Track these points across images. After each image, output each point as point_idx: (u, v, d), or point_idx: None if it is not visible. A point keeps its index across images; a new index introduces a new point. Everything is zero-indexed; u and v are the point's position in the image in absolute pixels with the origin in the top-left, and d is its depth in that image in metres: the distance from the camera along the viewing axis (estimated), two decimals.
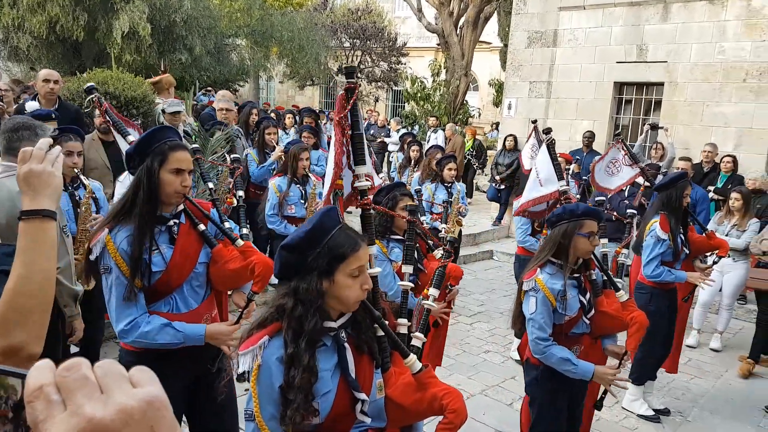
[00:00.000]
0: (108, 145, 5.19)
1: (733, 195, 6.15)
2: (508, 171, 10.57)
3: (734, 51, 8.84)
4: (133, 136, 4.20)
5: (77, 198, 3.93)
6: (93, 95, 4.30)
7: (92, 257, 2.35)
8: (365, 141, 2.44)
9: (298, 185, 5.38)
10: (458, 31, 17.79)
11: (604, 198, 5.25)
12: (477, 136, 16.19)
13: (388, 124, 15.07)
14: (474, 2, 16.99)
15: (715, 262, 4.91)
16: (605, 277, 3.35)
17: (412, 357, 1.91)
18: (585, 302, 3.09)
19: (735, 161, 7.96)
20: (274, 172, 5.68)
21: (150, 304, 2.41)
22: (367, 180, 2.38)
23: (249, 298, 2.63)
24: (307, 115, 8.60)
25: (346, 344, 1.86)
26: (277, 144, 6.37)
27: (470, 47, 17.66)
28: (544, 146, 4.70)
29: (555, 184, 4.49)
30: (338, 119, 2.35)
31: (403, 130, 13.74)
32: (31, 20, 12.16)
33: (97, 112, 4.76)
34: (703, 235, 4.84)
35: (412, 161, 7.87)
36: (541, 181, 4.64)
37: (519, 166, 9.66)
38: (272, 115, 10.91)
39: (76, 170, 3.88)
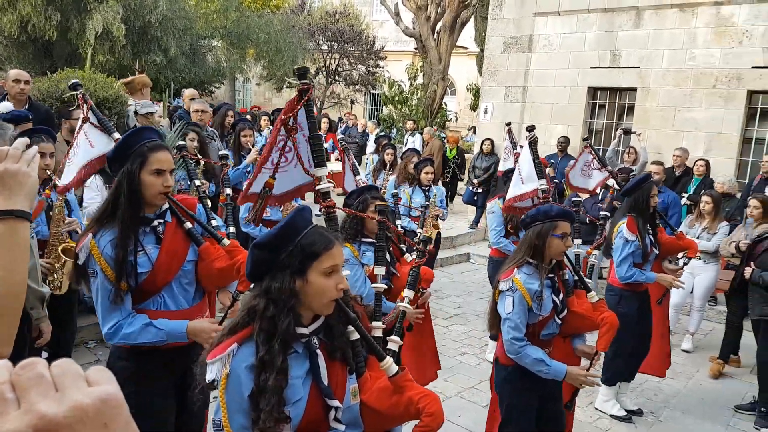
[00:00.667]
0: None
1: (704, 198, 6.27)
2: (485, 174, 10.63)
3: (704, 57, 9.03)
4: (119, 134, 4.13)
5: (49, 201, 3.87)
6: (78, 91, 4.22)
7: (80, 262, 2.35)
8: (321, 143, 2.44)
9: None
10: (435, 36, 17.88)
11: (580, 199, 5.31)
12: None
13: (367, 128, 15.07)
14: (451, 7, 17.10)
15: (685, 263, 4.99)
16: (576, 278, 3.38)
17: (388, 360, 1.88)
18: (558, 302, 3.12)
19: (708, 165, 8.12)
20: (250, 175, 5.61)
21: (138, 303, 2.41)
22: (329, 182, 2.36)
23: (234, 297, 2.59)
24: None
25: (318, 351, 1.81)
26: (252, 146, 6.31)
27: (447, 52, 17.76)
28: (526, 144, 4.74)
29: (534, 182, 4.53)
30: (282, 118, 2.32)
31: (377, 131, 13.73)
32: (2, 19, 11.92)
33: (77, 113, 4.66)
34: (673, 236, 4.92)
35: (387, 164, 7.86)
36: (523, 179, 4.67)
37: (496, 170, 9.76)
38: (248, 117, 10.83)
39: (48, 172, 3.81)
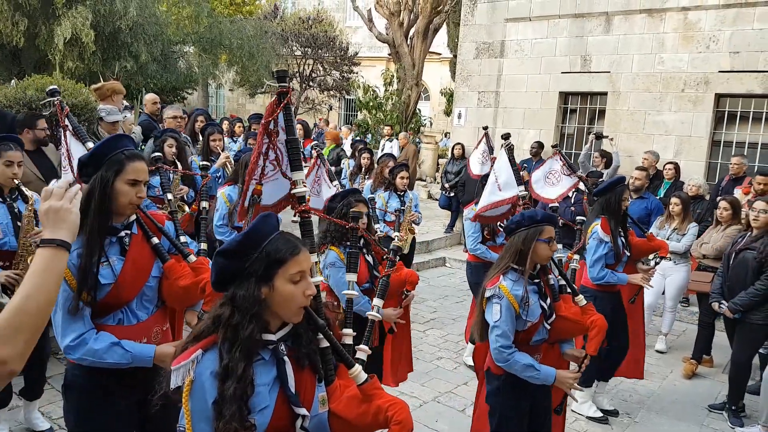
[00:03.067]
0: (35, 156, 4.95)
1: (673, 200, 6.37)
2: (456, 179, 10.67)
3: (673, 62, 9.22)
4: (92, 143, 4.06)
5: (16, 210, 3.74)
6: (56, 98, 4.14)
7: None
8: (298, 146, 2.41)
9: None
10: (409, 42, 17.96)
11: (556, 205, 5.34)
12: (427, 144, 16.35)
13: (341, 133, 15.04)
14: (423, 13, 17.20)
15: (657, 263, 5.03)
16: (561, 282, 3.36)
17: (357, 367, 1.86)
18: (546, 307, 3.09)
19: (677, 168, 8.24)
20: (224, 182, 5.53)
21: (96, 318, 2.30)
22: (303, 186, 2.33)
23: (200, 317, 2.52)
24: (254, 122, 8.48)
25: (286, 358, 1.78)
26: (222, 150, 6.23)
27: (421, 57, 17.86)
28: (503, 151, 4.73)
29: (514, 189, 4.50)
30: (264, 123, 2.29)
31: (352, 135, 13.72)
32: None
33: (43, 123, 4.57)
34: (643, 237, 4.97)
35: (363, 169, 7.84)
36: (500, 186, 4.63)
37: (467, 174, 9.80)
38: (226, 121, 10.70)
39: (15, 181, 3.69)
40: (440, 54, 23.47)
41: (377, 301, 2.54)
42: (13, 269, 3.69)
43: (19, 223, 3.72)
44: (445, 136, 19.06)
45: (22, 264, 3.69)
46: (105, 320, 2.32)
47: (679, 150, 9.22)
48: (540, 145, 10.07)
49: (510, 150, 4.69)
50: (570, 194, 6.89)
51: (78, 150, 4.03)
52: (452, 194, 10.88)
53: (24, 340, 1.31)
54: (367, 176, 7.74)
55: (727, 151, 9.06)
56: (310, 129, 12.88)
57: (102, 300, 2.28)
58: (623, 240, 4.65)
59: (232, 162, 5.96)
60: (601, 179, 8.10)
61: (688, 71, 9.09)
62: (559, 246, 6.84)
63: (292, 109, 2.38)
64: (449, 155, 11.61)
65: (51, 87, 4.24)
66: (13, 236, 3.72)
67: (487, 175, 5.90)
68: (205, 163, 4.76)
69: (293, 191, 2.35)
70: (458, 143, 11.09)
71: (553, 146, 6.03)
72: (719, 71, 8.82)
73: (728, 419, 4.97)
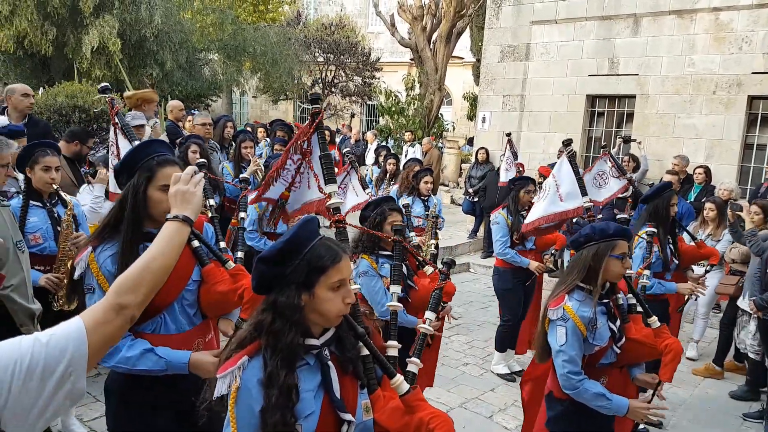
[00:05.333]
0: (70, 162, 5.02)
1: (707, 205, 6.22)
2: (480, 183, 10.58)
3: (704, 64, 9.03)
4: (138, 141, 4.10)
5: (56, 215, 3.76)
6: (107, 95, 4.15)
7: (75, 276, 2.23)
8: (331, 161, 2.50)
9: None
10: (431, 46, 17.91)
11: (626, 216, 5.09)
12: (450, 149, 16.27)
13: (363, 138, 15.03)
14: (447, 17, 17.13)
15: (707, 271, 4.84)
16: (632, 301, 3.14)
17: (399, 378, 1.83)
18: (615, 330, 2.87)
19: (707, 172, 8.04)
20: (254, 188, 5.54)
21: (135, 325, 2.20)
22: (337, 198, 2.39)
23: (237, 326, 2.46)
24: (279, 128, 8.49)
25: (330, 363, 1.76)
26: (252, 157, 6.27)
27: (443, 62, 17.78)
28: (564, 158, 4.50)
29: (578, 200, 4.26)
30: (294, 142, 2.43)
31: (377, 141, 13.71)
32: None
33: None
34: (693, 244, 4.79)
35: (389, 174, 7.81)
36: (562, 196, 4.38)
37: (492, 179, 9.70)
38: (248, 128, 10.78)
39: (54, 186, 3.70)
40: (463, 58, 23.37)
41: (429, 314, 2.44)
42: (54, 273, 3.70)
43: (59, 228, 3.73)
44: (469, 143, 18.92)
45: (62, 268, 3.68)
46: (142, 327, 2.28)
47: (710, 154, 9.02)
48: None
49: (572, 157, 4.45)
50: (612, 200, 6.70)
51: (126, 148, 4.06)
52: (476, 199, 10.79)
53: (144, 293, 1.50)
54: (393, 182, 7.70)
55: (760, 154, 8.84)
56: (334, 135, 12.92)
57: None
58: (671, 247, 4.47)
59: (263, 169, 5.99)
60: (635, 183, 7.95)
61: (720, 73, 8.89)
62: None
63: (324, 128, 2.50)
64: (473, 160, 11.52)
65: (102, 84, 4.26)
66: (53, 241, 3.73)
67: (514, 180, 5.79)
68: (244, 176, 4.78)
69: (328, 203, 2.40)
70: (482, 148, 11.00)
71: (602, 146, 5.81)
72: (752, 72, 8.61)
73: (765, 428, 4.81)
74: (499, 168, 9.65)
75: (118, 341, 1.58)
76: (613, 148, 9.63)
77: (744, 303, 5.28)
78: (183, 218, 1.71)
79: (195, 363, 2.25)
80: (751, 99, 8.75)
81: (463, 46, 21.19)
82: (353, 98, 23.77)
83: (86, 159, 5.18)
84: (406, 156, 12.47)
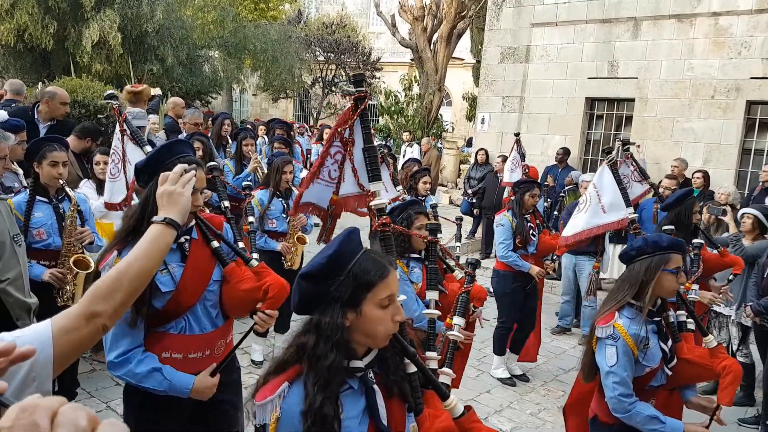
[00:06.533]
0: (79, 158, 5.04)
1: (745, 215, 5.54)
2: (480, 184, 10.59)
3: (703, 68, 9.05)
4: (150, 147, 4.07)
5: (61, 211, 3.76)
6: (114, 101, 4.13)
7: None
8: (376, 155, 2.30)
9: (280, 199, 5.21)
10: (432, 47, 17.92)
11: (671, 227, 4.55)
12: (449, 150, 16.27)
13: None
14: (447, 18, 17.14)
15: (729, 280, 4.65)
16: (681, 318, 2.98)
17: (453, 399, 1.70)
18: (667, 350, 2.71)
19: (705, 176, 8.03)
20: (255, 186, 5.54)
21: (159, 326, 2.25)
22: (379, 197, 2.18)
23: (254, 312, 2.44)
24: (278, 126, 8.49)
25: (375, 386, 1.62)
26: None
27: (444, 62, 17.79)
28: (605, 166, 4.22)
29: (622, 211, 4.02)
30: (335, 130, 2.21)
31: (377, 141, 13.73)
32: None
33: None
34: (716, 252, 4.65)
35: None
36: (605, 207, 4.11)
37: (491, 180, 9.71)
38: (249, 126, 10.80)
39: (61, 182, 3.69)
40: (463, 59, 23.39)
41: (458, 320, 2.33)
42: (58, 268, 3.71)
43: (63, 224, 3.72)
44: (468, 143, 18.93)
45: (66, 263, 3.70)
46: (167, 328, 2.26)
47: (708, 158, 9.05)
48: (566, 152, 9.93)
49: (614, 165, 4.16)
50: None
51: (136, 155, 4.01)
52: (474, 200, 10.80)
53: (120, 299, 1.42)
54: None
55: (758, 159, 8.86)
56: None
57: (162, 308, 2.22)
58: (692, 256, 4.32)
59: (263, 167, 6.00)
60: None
61: (719, 78, 8.92)
62: (583, 257, 6.52)
63: (368, 116, 2.30)
64: (472, 160, 11.53)
65: (109, 91, 4.28)
66: (58, 236, 3.74)
67: (520, 183, 5.65)
68: (248, 183, 4.79)
69: (372, 203, 2.22)
70: (482, 149, 11.00)
71: (624, 149, 5.69)
72: (751, 77, 8.64)
73: None
74: (496, 171, 9.66)
75: (89, 347, 1.49)
76: (612, 151, 9.64)
77: (724, 309, 5.21)
78: (168, 221, 1.63)
79: (198, 387, 2.25)
80: (750, 104, 8.78)
81: (464, 47, 21.21)
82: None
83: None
84: (404, 156, 12.48)
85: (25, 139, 4.37)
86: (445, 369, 2.08)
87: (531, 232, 5.29)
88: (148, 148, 3.99)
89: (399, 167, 8.73)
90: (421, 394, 1.75)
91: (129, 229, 2.23)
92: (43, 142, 3.74)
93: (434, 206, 5.53)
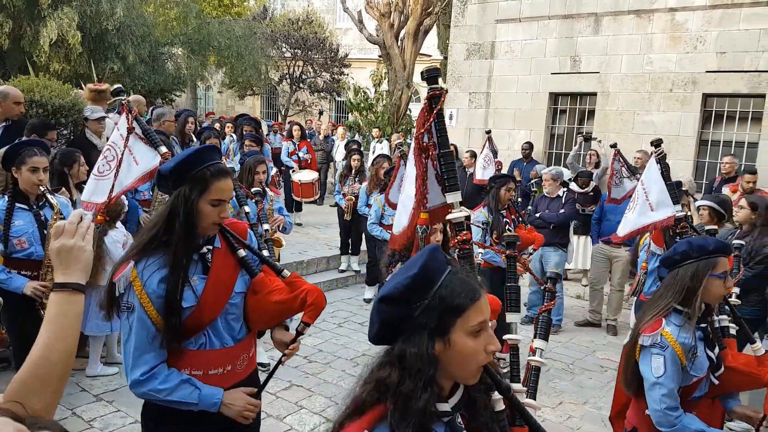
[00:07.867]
0: None
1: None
2: None
3: (661, 62, 9.27)
4: (165, 148, 3.95)
5: (43, 218, 3.63)
6: (122, 97, 3.96)
7: (117, 293, 2.04)
8: (452, 162, 2.07)
9: (253, 200, 5.06)
10: (399, 43, 17.94)
11: (714, 228, 4.25)
12: None
13: (332, 134, 14.98)
14: (414, 15, 17.18)
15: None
16: (723, 324, 2.85)
17: None
18: (713, 358, 2.58)
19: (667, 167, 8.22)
20: None
21: (177, 343, 2.10)
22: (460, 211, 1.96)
23: (299, 330, 2.30)
24: (246, 124, 8.37)
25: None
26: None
27: (411, 59, 17.82)
28: (653, 161, 4.03)
29: (670, 208, 3.86)
30: (418, 135, 1.95)
31: (348, 137, 13.72)
32: None
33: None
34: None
35: (354, 171, 7.78)
36: (652, 205, 3.94)
37: (460, 175, 9.78)
38: (216, 125, 10.63)
39: (41, 188, 3.54)
40: (430, 56, 23.47)
41: (540, 343, 2.07)
42: (41, 280, 3.59)
43: (45, 232, 3.59)
44: None
45: (49, 275, 3.56)
46: (186, 344, 2.11)
47: (667, 149, 9.13)
48: (531, 146, 10.08)
49: (662, 159, 3.98)
50: (561, 193, 6.88)
51: (147, 155, 3.87)
52: None
53: (51, 391, 1.30)
54: (357, 178, 7.70)
55: (714, 150, 9.11)
56: (306, 131, 12.87)
57: (182, 325, 2.08)
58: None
59: (235, 168, 5.93)
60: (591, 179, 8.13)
61: (676, 71, 9.14)
62: (549, 248, 6.60)
63: (441, 116, 2.06)
64: None
65: (116, 86, 4.07)
66: (40, 245, 3.60)
67: (495, 178, 5.64)
68: (257, 189, 4.75)
69: (450, 216, 1.98)
70: (451, 144, 11.06)
71: (611, 145, 5.69)
72: (706, 71, 8.87)
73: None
74: (464, 165, 9.73)
75: None
76: (574, 145, 9.81)
77: None
78: (74, 288, 1.39)
79: (228, 402, 2.13)
80: (706, 97, 9.02)
81: (431, 43, 21.29)
82: (321, 94, 23.65)
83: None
84: (373, 152, 12.49)
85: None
86: (528, 401, 1.82)
87: (507, 227, 5.33)
88: (163, 149, 3.87)
89: (368, 164, 8.72)
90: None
91: (151, 240, 2.08)
92: (22, 146, 3.57)
93: (486, 224, 5.47)
